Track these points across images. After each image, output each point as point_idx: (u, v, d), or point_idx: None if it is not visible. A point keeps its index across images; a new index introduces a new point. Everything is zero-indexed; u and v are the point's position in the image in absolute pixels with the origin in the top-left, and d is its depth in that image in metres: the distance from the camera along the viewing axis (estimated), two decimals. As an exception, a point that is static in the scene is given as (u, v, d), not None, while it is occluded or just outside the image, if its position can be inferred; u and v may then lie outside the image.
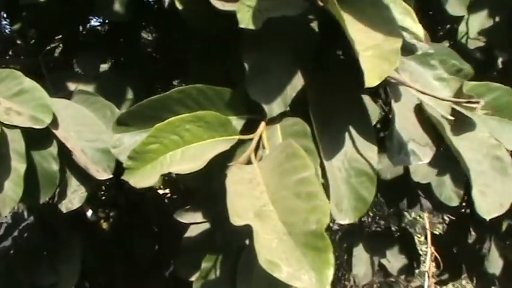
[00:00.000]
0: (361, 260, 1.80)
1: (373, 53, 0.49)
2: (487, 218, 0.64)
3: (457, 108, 0.69)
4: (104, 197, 1.90)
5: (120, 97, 1.01)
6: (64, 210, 0.78)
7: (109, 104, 0.82)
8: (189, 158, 0.56)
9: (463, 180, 1.26)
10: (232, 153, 0.61)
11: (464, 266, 1.80)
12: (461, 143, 0.69)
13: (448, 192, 1.28)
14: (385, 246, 1.81)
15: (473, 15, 1.19)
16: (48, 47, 1.25)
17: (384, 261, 1.78)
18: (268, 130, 0.61)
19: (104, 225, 1.80)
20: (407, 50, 0.59)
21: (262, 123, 0.60)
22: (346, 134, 0.62)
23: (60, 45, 1.28)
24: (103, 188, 1.97)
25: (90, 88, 0.96)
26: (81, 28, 1.30)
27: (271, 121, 0.61)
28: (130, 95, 1.04)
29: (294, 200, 0.47)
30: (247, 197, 0.48)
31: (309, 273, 0.42)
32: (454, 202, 1.35)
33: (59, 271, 0.98)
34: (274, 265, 0.43)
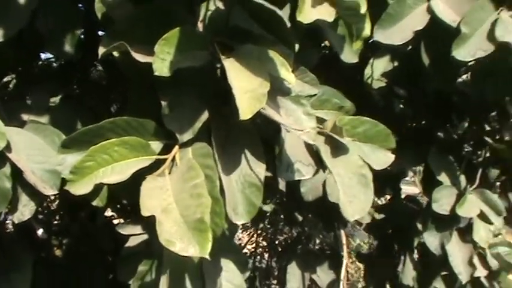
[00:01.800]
0: (294, 276, 1.98)
1: (250, 95, 0.68)
2: (351, 219, 0.84)
3: (335, 137, 0.90)
4: (57, 226, 1.97)
5: (69, 128, 1.16)
6: (16, 221, 0.92)
7: (57, 132, 0.96)
8: (117, 172, 0.74)
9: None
10: (154, 169, 0.79)
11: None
12: (337, 164, 0.89)
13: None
14: (316, 263, 2.00)
15: (377, 60, 1.43)
16: (4, 81, 1.39)
17: (314, 276, 1.97)
18: (181, 152, 0.79)
19: (57, 252, 1.87)
20: (284, 92, 0.79)
21: (176, 147, 0.78)
22: (242, 155, 0.80)
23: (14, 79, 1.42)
24: (57, 217, 2.05)
25: (42, 119, 1.10)
26: (34, 63, 1.44)
27: (185, 145, 0.79)
28: (79, 126, 1.18)
29: (189, 199, 0.65)
30: (156, 198, 0.66)
31: (195, 247, 0.61)
32: (365, 220, 1.58)
33: (11, 280, 1.10)
34: (171, 243, 0.61)
